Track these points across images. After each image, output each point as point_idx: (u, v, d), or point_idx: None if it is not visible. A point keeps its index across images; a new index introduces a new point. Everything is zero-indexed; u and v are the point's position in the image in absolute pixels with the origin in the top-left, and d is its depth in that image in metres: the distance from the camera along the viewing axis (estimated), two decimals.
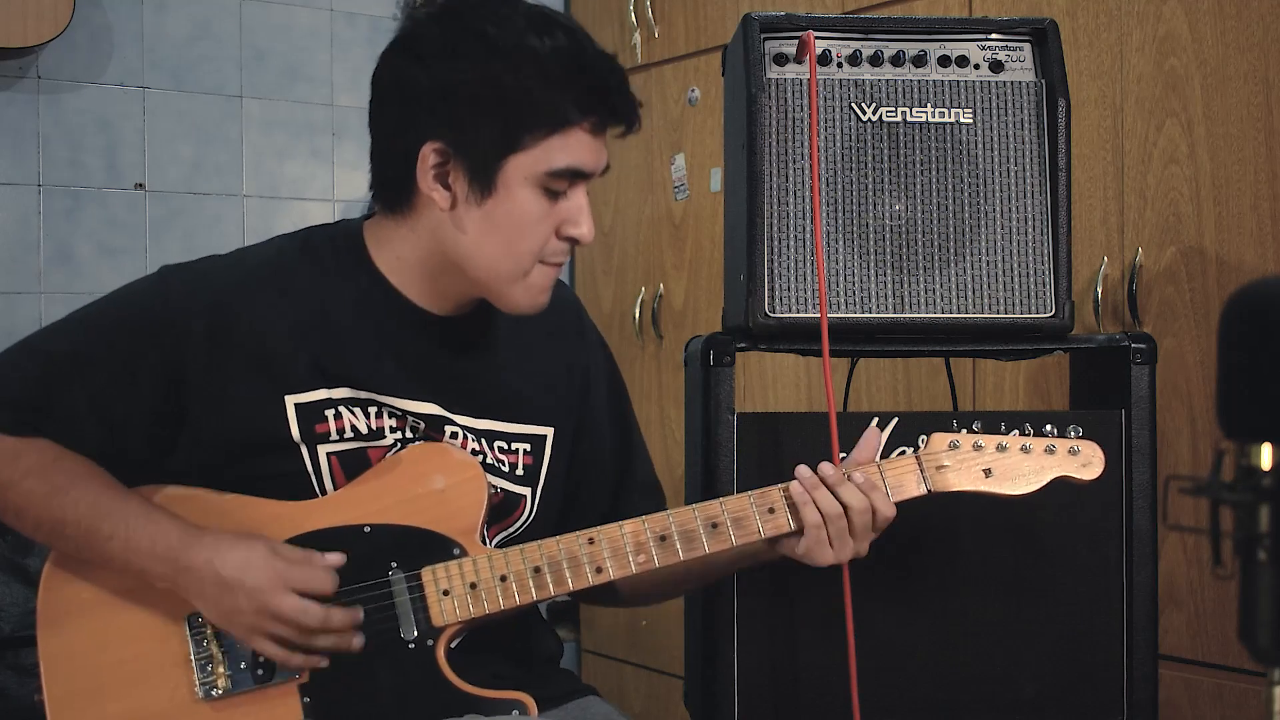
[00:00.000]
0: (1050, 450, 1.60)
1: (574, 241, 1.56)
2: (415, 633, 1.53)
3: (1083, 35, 2.47)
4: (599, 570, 1.56)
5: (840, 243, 1.79)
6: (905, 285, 1.80)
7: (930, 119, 1.81)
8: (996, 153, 1.82)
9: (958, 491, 1.60)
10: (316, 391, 1.57)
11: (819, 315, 1.75)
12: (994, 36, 1.84)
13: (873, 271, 1.79)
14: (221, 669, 1.52)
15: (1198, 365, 2.29)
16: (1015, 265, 1.81)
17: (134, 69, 3.22)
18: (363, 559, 1.54)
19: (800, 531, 1.59)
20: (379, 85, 1.57)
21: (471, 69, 1.50)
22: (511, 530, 1.66)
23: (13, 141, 3.08)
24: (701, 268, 3.30)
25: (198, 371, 1.55)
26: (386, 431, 1.59)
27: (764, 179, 1.78)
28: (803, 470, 1.59)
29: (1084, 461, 1.61)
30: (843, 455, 1.74)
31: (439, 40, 1.52)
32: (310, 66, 3.47)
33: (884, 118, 1.81)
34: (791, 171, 1.79)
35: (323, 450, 1.57)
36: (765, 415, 1.82)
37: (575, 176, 1.53)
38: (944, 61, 1.82)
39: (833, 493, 1.57)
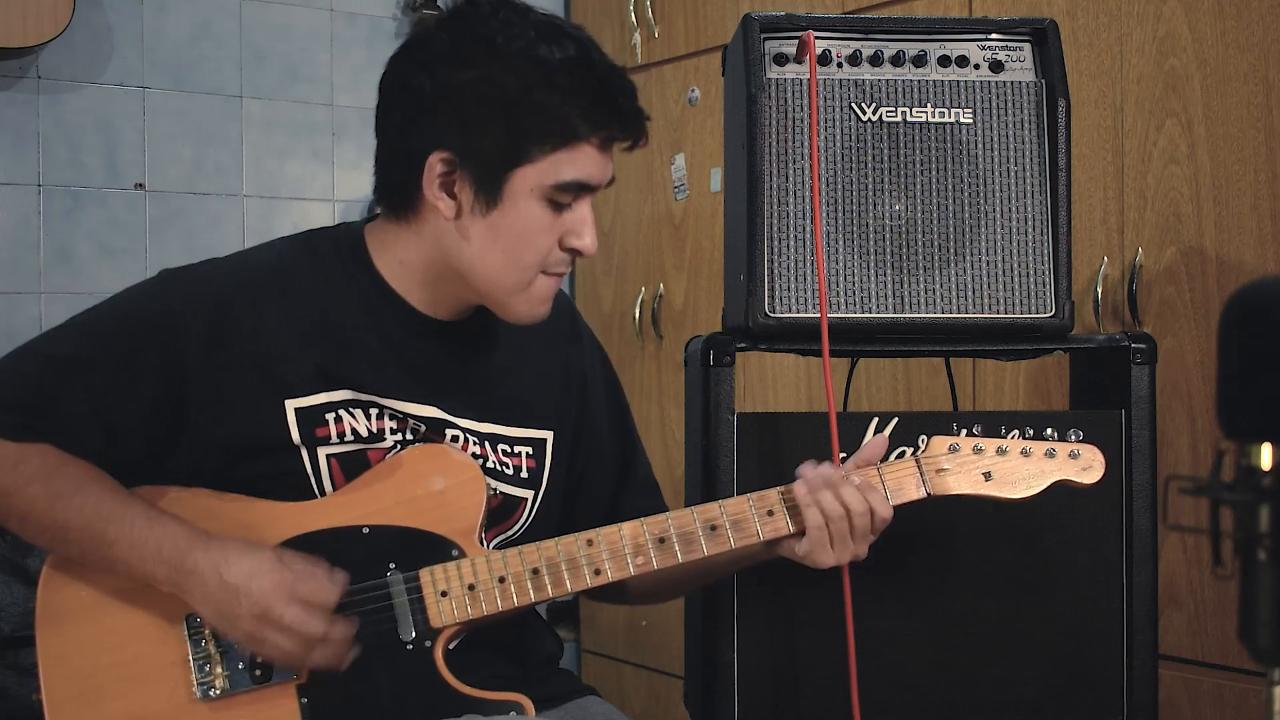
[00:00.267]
0: (1050, 454, 1.60)
1: (577, 253, 1.56)
2: (413, 634, 1.53)
3: (1083, 35, 2.47)
4: (597, 572, 1.56)
5: (840, 243, 1.79)
6: (905, 285, 1.80)
7: (930, 119, 1.81)
8: (996, 153, 1.82)
9: (957, 495, 1.60)
10: (317, 395, 1.57)
11: (819, 315, 1.75)
12: (994, 36, 1.84)
13: (873, 271, 1.79)
14: (219, 669, 1.52)
15: (1198, 365, 2.29)
16: (1015, 265, 1.81)
17: (134, 69, 3.22)
18: (361, 560, 1.54)
19: (798, 534, 1.59)
20: (386, 91, 1.57)
21: (478, 78, 1.49)
22: (510, 533, 1.66)
23: (13, 141, 3.08)
24: (701, 268, 3.30)
25: (198, 375, 1.55)
26: (387, 434, 1.59)
27: (764, 179, 1.78)
28: (806, 470, 1.59)
29: (1084, 465, 1.61)
30: (843, 455, 1.74)
31: (447, 48, 1.52)
32: (310, 66, 3.47)
33: (884, 118, 1.81)
34: (791, 171, 1.79)
35: (322, 452, 1.57)
36: (765, 415, 1.82)
37: (582, 190, 1.53)
38: (944, 61, 1.82)
39: (834, 493, 1.57)
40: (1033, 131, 1.82)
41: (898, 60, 1.82)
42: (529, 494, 1.67)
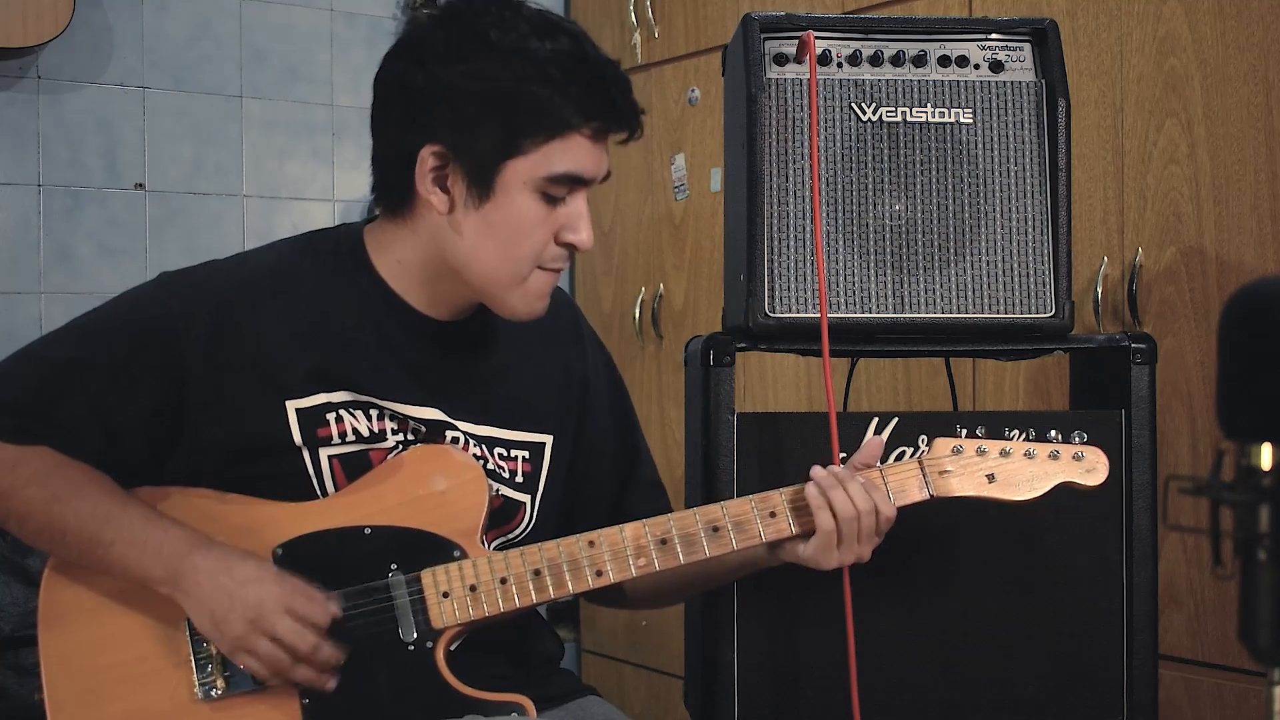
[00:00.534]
0: (1054, 456, 1.60)
1: (572, 248, 1.55)
2: (414, 634, 1.53)
3: (1083, 35, 2.47)
4: (599, 573, 1.56)
5: (840, 243, 1.79)
6: (905, 285, 1.80)
7: (930, 119, 1.81)
8: (996, 153, 1.81)
9: (960, 497, 1.60)
10: (316, 396, 1.56)
11: (819, 315, 1.75)
12: (994, 36, 1.84)
13: (873, 271, 1.79)
14: (220, 669, 1.52)
15: (1198, 365, 2.29)
16: (1015, 265, 1.81)
17: (134, 69, 3.22)
18: (363, 560, 1.54)
19: (801, 536, 1.59)
20: (380, 87, 1.57)
21: (472, 71, 1.49)
22: (511, 536, 1.66)
23: (13, 141, 3.08)
24: (701, 268, 3.30)
25: (198, 377, 1.55)
26: (388, 434, 1.59)
27: (764, 179, 1.78)
28: (818, 471, 1.59)
29: (1088, 467, 1.61)
30: (843, 455, 1.74)
31: (441, 42, 1.52)
32: (310, 66, 3.47)
33: (884, 118, 1.81)
34: (791, 171, 1.79)
35: (324, 452, 1.57)
36: (765, 415, 1.82)
37: (575, 183, 1.53)
38: (944, 61, 1.82)
39: (846, 492, 1.56)
40: (1033, 131, 1.82)
41: (898, 60, 1.82)
42: (527, 497, 1.67)
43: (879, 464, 1.63)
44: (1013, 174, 1.81)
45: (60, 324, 1.63)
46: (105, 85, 3.19)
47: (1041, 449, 1.60)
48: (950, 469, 1.60)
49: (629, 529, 1.57)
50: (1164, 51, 2.35)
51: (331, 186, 3.51)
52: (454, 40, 1.51)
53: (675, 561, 1.57)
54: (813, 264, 1.78)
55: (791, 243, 1.79)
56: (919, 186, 1.80)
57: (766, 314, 1.78)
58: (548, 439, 1.69)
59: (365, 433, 1.58)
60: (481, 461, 1.62)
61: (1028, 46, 1.84)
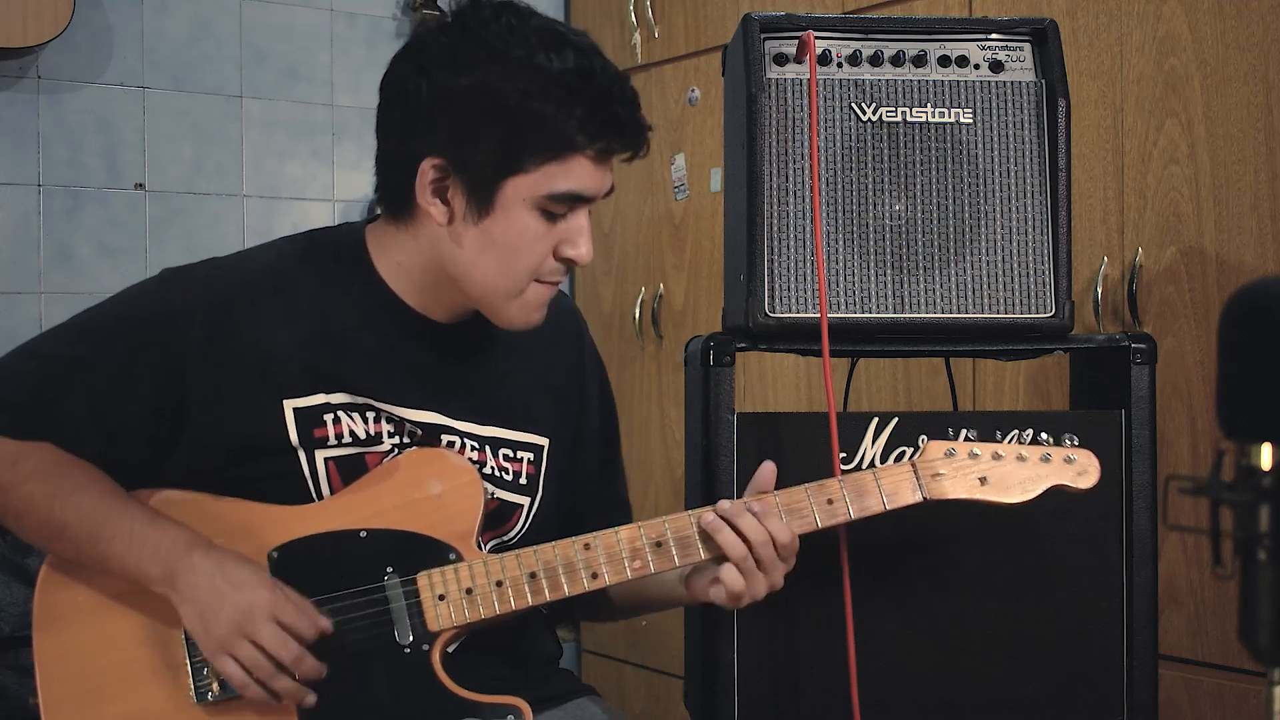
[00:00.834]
0: (1046, 459, 1.60)
1: (571, 263, 1.54)
2: (410, 637, 1.53)
3: (1083, 35, 2.47)
4: (594, 576, 1.55)
5: (840, 243, 1.79)
6: (905, 285, 1.79)
7: (930, 119, 1.81)
8: (996, 153, 1.81)
9: (953, 499, 1.60)
10: (314, 396, 1.56)
11: (819, 315, 1.75)
12: (994, 36, 1.84)
13: (873, 271, 1.79)
14: (216, 672, 1.51)
15: (1198, 365, 2.29)
16: (1015, 265, 1.81)
17: (134, 69, 3.22)
18: (358, 563, 1.54)
19: (716, 568, 1.56)
20: (385, 92, 1.56)
21: (475, 84, 1.47)
22: (507, 538, 1.65)
23: (13, 141, 3.08)
24: (701, 268, 3.30)
25: (197, 375, 1.55)
26: (384, 437, 1.59)
27: (764, 179, 1.78)
28: (721, 506, 1.56)
29: (1080, 470, 1.61)
30: (843, 455, 1.74)
31: (446, 52, 1.50)
32: (310, 66, 3.47)
33: (884, 118, 1.80)
34: (791, 171, 1.79)
35: (320, 455, 1.57)
36: (765, 415, 1.82)
37: (576, 201, 1.51)
38: (944, 61, 1.82)
39: (733, 526, 1.53)
40: (1033, 131, 1.82)
41: (898, 60, 1.82)
42: (525, 500, 1.66)
43: (874, 467, 1.63)
44: (1013, 174, 1.81)
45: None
46: (105, 85, 3.19)
47: (1033, 452, 1.60)
48: (943, 472, 1.60)
49: (624, 532, 1.56)
50: (1164, 51, 2.35)
51: (331, 186, 3.51)
52: (458, 49, 1.49)
53: (670, 564, 1.56)
54: (813, 264, 1.78)
55: (791, 243, 1.79)
56: (919, 186, 1.80)
57: (766, 314, 1.78)
58: (546, 442, 1.69)
59: (362, 435, 1.58)
60: (479, 465, 1.61)
61: (1028, 46, 1.84)
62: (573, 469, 1.74)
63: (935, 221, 1.80)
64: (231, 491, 1.57)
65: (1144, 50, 2.38)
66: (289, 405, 1.56)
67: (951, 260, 1.80)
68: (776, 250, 1.78)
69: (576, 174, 1.49)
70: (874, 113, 1.80)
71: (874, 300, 1.79)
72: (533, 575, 1.55)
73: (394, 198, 1.57)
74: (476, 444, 1.62)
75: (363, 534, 1.55)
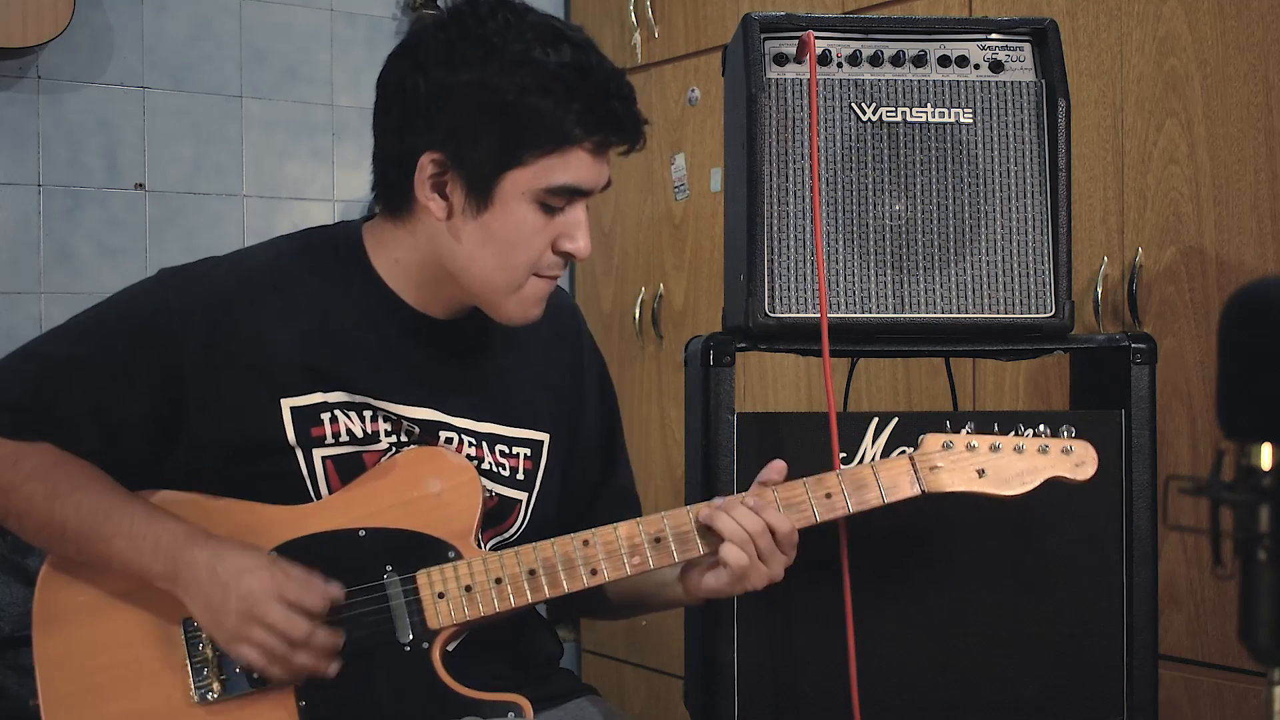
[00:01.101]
0: (1043, 450, 1.60)
1: (570, 257, 1.55)
2: (410, 636, 1.53)
3: (1083, 35, 2.47)
4: (594, 572, 1.56)
5: (840, 243, 1.79)
6: (905, 285, 1.80)
7: (930, 119, 1.81)
8: (996, 153, 1.81)
9: (951, 492, 1.60)
10: (312, 395, 1.56)
11: (819, 315, 1.75)
12: (994, 36, 1.84)
13: (873, 271, 1.79)
14: (216, 672, 1.52)
15: (1198, 365, 2.29)
16: (1015, 265, 1.81)
17: (134, 69, 3.22)
18: (358, 562, 1.54)
19: (714, 560, 1.57)
20: (383, 89, 1.57)
21: (473, 80, 1.48)
22: (506, 535, 1.65)
23: (13, 141, 3.08)
24: (701, 268, 3.30)
25: (195, 374, 1.55)
26: (381, 436, 1.59)
27: (764, 179, 1.78)
28: (717, 501, 1.57)
29: (1077, 461, 1.61)
30: (843, 455, 1.74)
31: (443, 48, 1.51)
32: (310, 66, 3.47)
33: (884, 118, 1.81)
34: (791, 171, 1.79)
35: (318, 454, 1.57)
36: (765, 415, 1.82)
37: (574, 194, 1.52)
38: (944, 61, 1.82)
39: (732, 518, 1.54)
40: (1033, 131, 1.82)
41: (898, 60, 1.82)
42: (524, 495, 1.67)
43: (872, 461, 1.63)
44: (1013, 174, 1.81)
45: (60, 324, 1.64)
46: (105, 85, 3.19)
47: (1031, 444, 1.60)
48: (940, 464, 1.60)
49: (623, 528, 1.56)
50: (1164, 51, 2.35)
51: (331, 186, 3.51)
52: (456, 46, 1.50)
53: (669, 560, 1.56)
54: (813, 264, 1.78)
55: (791, 243, 1.79)
56: (919, 186, 1.80)
57: (766, 314, 1.78)
58: (545, 437, 1.69)
59: (359, 434, 1.58)
60: (477, 461, 1.62)
61: (1028, 46, 1.84)
62: (573, 463, 1.74)
63: (935, 221, 1.80)
64: (230, 492, 1.57)
65: (1144, 50, 2.38)
66: (286, 404, 1.56)
67: (951, 260, 1.80)
68: (776, 250, 1.78)
69: (574, 167, 1.50)
70: (874, 113, 1.80)
71: (874, 300, 1.79)
72: (532, 572, 1.55)
73: (391, 194, 1.57)
74: (474, 440, 1.63)
75: (361, 533, 1.55)
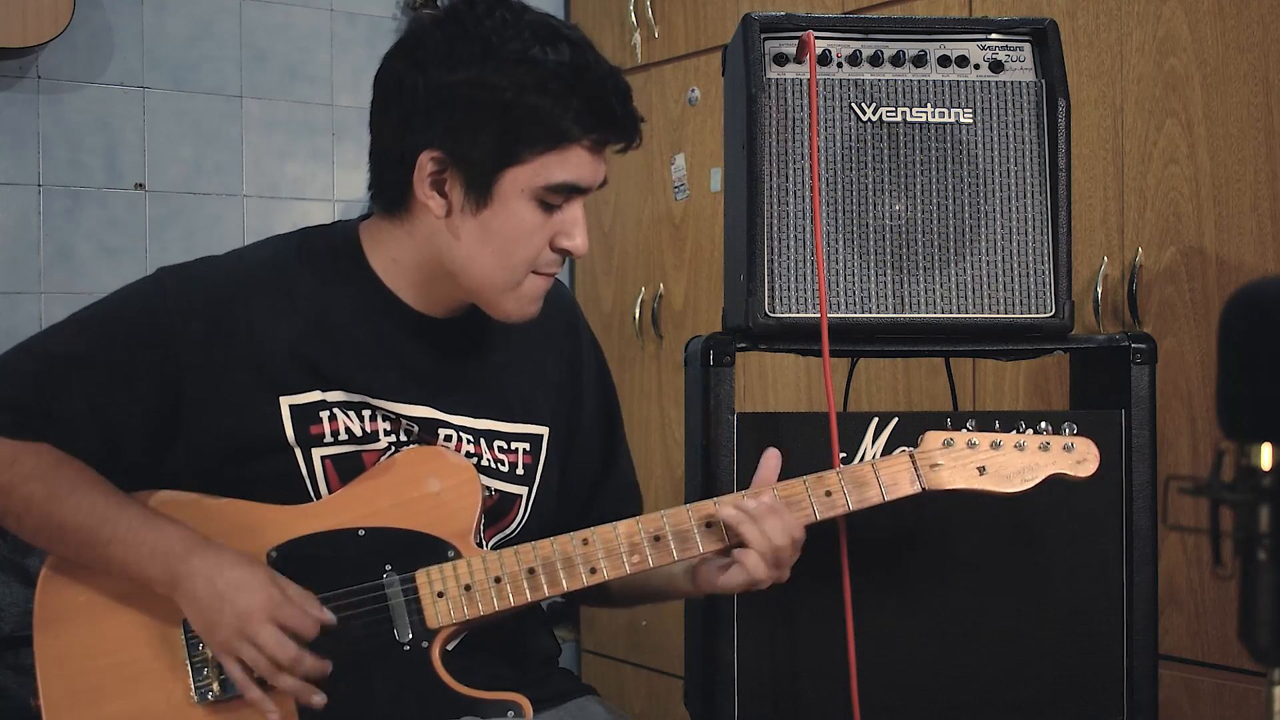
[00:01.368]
0: (1044, 448, 1.60)
1: (567, 254, 1.56)
2: (410, 635, 1.53)
3: (1083, 35, 2.47)
4: (593, 571, 1.56)
5: (840, 243, 1.79)
6: (905, 285, 1.80)
7: (930, 119, 1.81)
8: (996, 153, 1.81)
9: (952, 490, 1.60)
10: (311, 393, 1.57)
11: (819, 315, 1.75)
12: (994, 36, 1.84)
13: (873, 271, 1.79)
14: (216, 672, 1.52)
15: (1198, 365, 2.29)
16: (1015, 265, 1.81)
17: (134, 69, 3.22)
18: (357, 562, 1.54)
19: (727, 553, 1.58)
20: (380, 88, 1.57)
21: (472, 79, 1.48)
22: (508, 531, 1.66)
23: (13, 141, 3.08)
24: (701, 268, 3.30)
25: (194, 373, 1.55)
26: (380, 435, 1.59)
27: (764, 179, 1.78)
28: (747, 505, 1.57)
29: (1079, 458, 1.61)
30: (843, 455, 1.74)
31: (441, 46, 1.51)
32: (310, 66, 3.47)
33: (884, 118, 1.81)
34: (791, 171, 1.79)
35: (317, 454, 1.57)
36: (765, 415, 1.82)
37: (572, 192, 1.53)
38: (944, 61, 1.82)
39: (759, 529, 1.54)
40: (1033, 131, 1.82)
41: (898, 60, 1.82)
42: (523, 490, 1.67)
43: (872, 460, 1.63)
44: (1013, 174, 1.81)
45: None
46: (105, 85, 3.19)
47: (1032, 441, 1.60)
48: (941, 462, 1.60)
49: (622, 526, 1.57)
50: (1164, 51, 2.35)
51: (331, 186, 3.51)
52: (454, 44, 1.51)
53: (669, 558, 1.57)
54: (813, 264, 1.78)
55: (791, 243, 1.79)
56: (919, 186, 1.80)
57: (766, 314, 1.78)
58: (545, 431, 1.69)
59: (358, 433, 1.58)
60: (476, 458, 1.62)
61: (1028, 46, 1.84)
62: (573, 456, 1.75)
63: (935, 221, 1.80)
64: (230, 492, 1.57)
65: (1144, 50, 2.38)
66: (285, 402, 1.56)
67: (951, 260, 1.80)
68: (776, 250, 1.78)
69: (573, 165, 1.51)
70: (874, 113, 1.80)
71: (874, 300, 1.79)
72: (531, 571, 1.55)
73: (389, 192, 1.57)
74: (471, 437, 1.63)
75: (361, 532, 1.55)
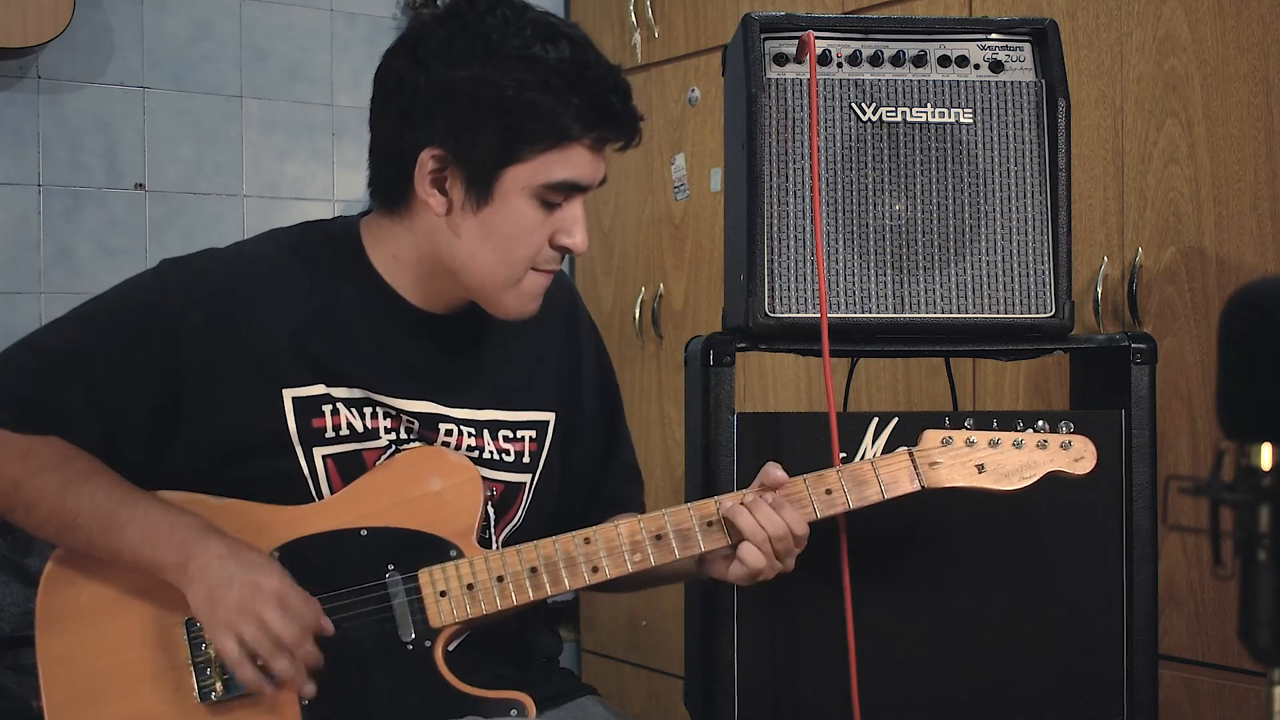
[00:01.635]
0: (1042, 445, 1.61)
1: (567, 251, 1.56)
2: (413, 634, 1.53)
3: (1083, 35, 2.47)
4: (595, 570, 1.56)
5: (840, 243, 1.79)
6: (905, 285, 1.80)
7: (930, 119, 1.81)
8: (996, 153, 1.81)
9: (951, 488, 1.61)
10: (314, 387, 1.57)
11: (819, 315, 1.75)
12: (994, 36, 1.84)
13: (873, 271, 1.79)
14: (219, 672, 1.52)
15: (1198, 365, 2.29)
16: (1015, 265, 1.81)
17: (134, 69, 3.22)
18: (359, 561, 1.54)
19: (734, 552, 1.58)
20: (380, 85, 1.57)
21: (473, 76, 1.49)
22: (515, 521, 1.66)
23: (13, 141, 3.08)
24: (701, 268, 3.30)
25: (195, 366, 1.55)
26: (381, 432, 1.59)
27: (764, 179, 1.78)
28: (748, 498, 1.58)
29: (1076, 456, 1.61)
30: (843, 455, 1.74)
31: (442, 43, 1.52)
32: (310, 66, 3.47)
33: (884, 118, 1.81)
34: (791, 171, 1.79)
35: (318, 453, 1.57)
36: (765, 415, 1.82)
37: (573, 190, 1.53)
38: (944, 61, 1.82)
39: (754, 517, 1.55)
40: (1033, 131, 1.82)
41: (898, 60, 1.82)
42: (528, 478, 1.67)
43: (871, 459, 1.63)
44: (1013, 174, 1.81)
45: None
46: (105, 85, 3.19)
47: (1030, 439, 1.61)
48: (940, 460, 1.60)
49: (624, 526, 1.57)
50: (1164, 51, 2.35)
51: (331, 186, 3.51)
52: (455, 42, 1.51)
53: (671, 556, 1.57)
54: (813, 264, 1.78)
55: (791, 243, 1.79)
56: (919, 186, 1.80)
57: (766, 314, 1.78)
58: (550, 416, 1.70)
59: (359, 429, 1.58)
60: (478, 450, 1.62)
61: (1028, 46, 1.84)
62: (576, 440, 1.75)
63: (935, 221, 1.80)
64: (231, 493, 1.57)
65: (1144, 50, 2.38)
66: (288, 395, 1.56)
67: (951, 260, 1.80)
68: (776, 250, 1.78)
69: (574, 163, 1.51)
70: (874, 113, 1.80)
71: (874, 300, 1.79)
72: (533, 570, 1.55)
73: (389, 189, 1.57)
74: (474, 430, 1.63)
75: (363, 532, 1.55)
